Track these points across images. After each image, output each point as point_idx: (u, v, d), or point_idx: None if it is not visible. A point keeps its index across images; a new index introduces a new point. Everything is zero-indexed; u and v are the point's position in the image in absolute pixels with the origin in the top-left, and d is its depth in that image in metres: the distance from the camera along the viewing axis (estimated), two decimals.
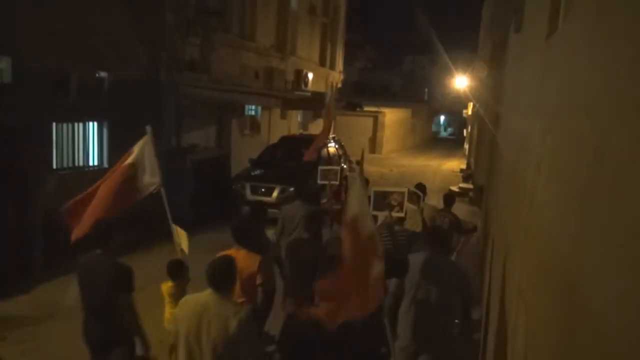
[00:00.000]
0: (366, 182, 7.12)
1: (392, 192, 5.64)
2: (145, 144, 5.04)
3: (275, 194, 11.47)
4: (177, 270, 4.54)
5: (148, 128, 5.10)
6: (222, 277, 3.23)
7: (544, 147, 2.46)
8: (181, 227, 5.42)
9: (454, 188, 15.43)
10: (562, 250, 1.85)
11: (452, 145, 40.07)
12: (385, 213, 5.48)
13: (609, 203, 1.36)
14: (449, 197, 6.95)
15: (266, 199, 11.38)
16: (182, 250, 4.98)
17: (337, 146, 14.60)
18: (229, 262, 3.36)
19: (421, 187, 6.93)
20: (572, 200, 1.78)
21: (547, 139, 2.41)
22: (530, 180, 2.85)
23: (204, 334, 3.07)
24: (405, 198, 5.58)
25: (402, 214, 5.54)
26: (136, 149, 4.99)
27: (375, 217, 4.98)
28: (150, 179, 4.97)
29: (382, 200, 5.54)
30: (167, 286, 4.61)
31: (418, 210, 6.34)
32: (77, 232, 4.67)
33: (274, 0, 16.11)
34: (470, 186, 16.16)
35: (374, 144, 28.36)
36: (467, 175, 19.08)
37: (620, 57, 1.41)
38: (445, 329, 3.82)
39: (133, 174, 4.92)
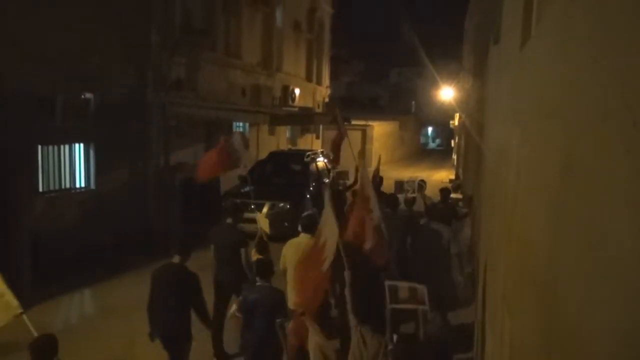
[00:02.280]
0: (381, 179, 9.65)
1: (407, 181, 9.71)
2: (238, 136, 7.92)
3: (265, 209, 11.44)
4: (263, 248, 6.10)
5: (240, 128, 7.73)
6: (310, 224, 5.42)
7: (522, 154, 2.50)
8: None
9: None
10: (541, 256, 1.88)
11: (440, 156, 40.31)
12: (403, 195, 8.76)
13: (579, 206, 1.39)
14: (445, 190, 8.81)
15: (256, 215, 11.34)
16: (264, 231, 6.76)
17: (325, 160, 14.65)
18: (313, 216, 5.71)
19: (423, 182, 10.23)
20: (548, 206, 1.81)
21: (524, 146, 2.45)
22: (512, 187, 2.89)
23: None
24: (416, 185, 9.40)
25: (415, 195, 8.84)
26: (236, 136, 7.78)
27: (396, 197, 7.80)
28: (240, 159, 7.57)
29: (400, 186, 9.25)
30: (256, 257, 6.02)
31: (421, 196, 8.94)
32: (203, 179, 7.44)
33: (258, 18, 16.26)
34: (459, 196, 16.22)
35: (362, 157, 28.44)
36: (456, 186, 19.14)
37: (585, 63, 1.45)
38: (437, 263, 5.72)
39: (233, 149, 7.25)
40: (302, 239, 5.44)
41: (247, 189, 12.25)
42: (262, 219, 7.16)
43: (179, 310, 4.81)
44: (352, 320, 4.42)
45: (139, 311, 6.56)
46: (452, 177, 23.21)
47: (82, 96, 9.35)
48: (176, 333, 4.86)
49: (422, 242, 5.89)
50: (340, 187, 10.63)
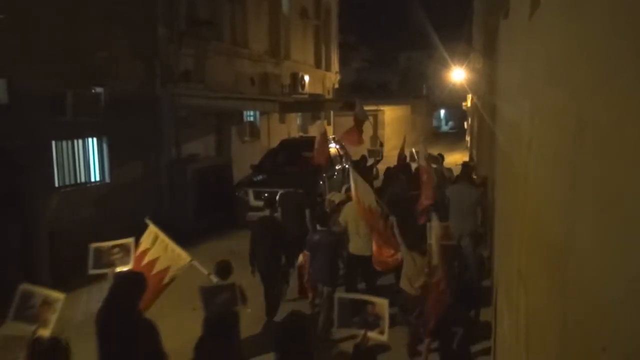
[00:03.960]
0: (405, 157, 11.95)
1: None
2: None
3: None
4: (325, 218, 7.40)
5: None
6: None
7: (533, 126, 2.45)
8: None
9: None
10: (555, 226, 1.84)
11: (453, 138, 39.89)
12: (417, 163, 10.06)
13: (593, 168, 1.35)
14: (466, 165, 9.72)
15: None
16: (333, 201, 8.26)
17: (338, 147, 14.59)
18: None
19: (441, 155, 12.07)
20: (560, 173, 1.77)
21: (535, 118, 2.40)
22: (523, 162, 2.84)
23: (360, 218, 6.41)
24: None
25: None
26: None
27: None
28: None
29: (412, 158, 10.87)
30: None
31: (439, 167, 10.62)
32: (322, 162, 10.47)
33: (264, 6, 16.15)
34: (474, 177, 16.08)
35: (375, 142, 28.30)
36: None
37: (593, 22, 1.40)
38: (468, 218, 7.25)
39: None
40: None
41: (259, 177, 12.31)
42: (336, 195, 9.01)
43: (271, 251, 6.34)
44: (403, 248, 5.68)
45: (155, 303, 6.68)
46: (466, 159, 22.99)
47: (93, 90, 9.40)
48: (270, 268, 6.34)
49: (453, 196, 7.58)
50: (372, 163, 12.46)
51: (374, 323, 3.49)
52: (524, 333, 2.46)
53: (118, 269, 4.32)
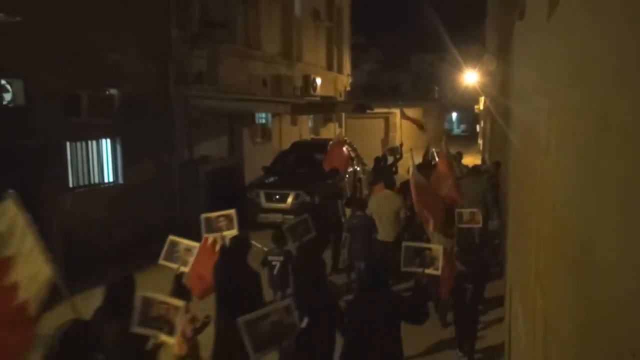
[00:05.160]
0: (432, 155, 12.72)
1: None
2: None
3: (289, 200, 11.44)
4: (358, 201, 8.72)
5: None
6: (390, 183, 8.18)
7: (552, 125, 2.41)
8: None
9: None
10: (573, 227, 1.81)
11: (465, 141, 39.54)
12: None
13: (617, 167, 1.32)
14: (497, 163, 11.02)
15: (281, 205, 11.36)
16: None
17: (349, 149, 14.55)
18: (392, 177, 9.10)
19: (459, 154, 13.07)
20: (580, 173, 1.74)
21: (554, 117, 2.37)
22: (540, 164, 2.80)
23: (385, 208, 7.52)
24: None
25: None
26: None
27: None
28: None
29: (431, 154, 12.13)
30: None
31: (456, 165, 11.06)
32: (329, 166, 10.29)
33: (277, 8, 16.19)
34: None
35: (386, 145, 28.16)
36: (483, 170, 18.82)
37: (619, 19, 1.37)
38: (479, 204, 8.04)
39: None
40: (386, 193, 7.99)
41: (271, 179, 12.31)
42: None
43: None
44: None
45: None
46: (479, 162, 22.82)
47: (107, 92, 9.48)
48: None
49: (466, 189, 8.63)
50: (392, 161, 13.09)
51: (430, 262, 4.58)
52: (541, 335, 2.42)
53: (225, 233, 5.37)
